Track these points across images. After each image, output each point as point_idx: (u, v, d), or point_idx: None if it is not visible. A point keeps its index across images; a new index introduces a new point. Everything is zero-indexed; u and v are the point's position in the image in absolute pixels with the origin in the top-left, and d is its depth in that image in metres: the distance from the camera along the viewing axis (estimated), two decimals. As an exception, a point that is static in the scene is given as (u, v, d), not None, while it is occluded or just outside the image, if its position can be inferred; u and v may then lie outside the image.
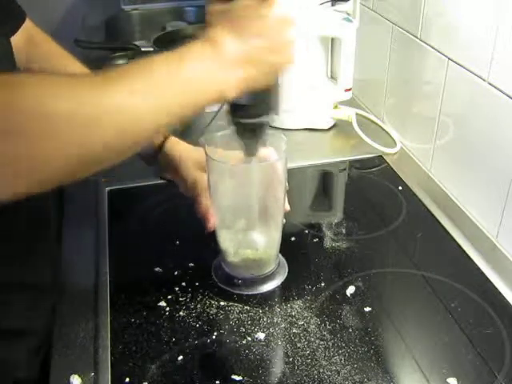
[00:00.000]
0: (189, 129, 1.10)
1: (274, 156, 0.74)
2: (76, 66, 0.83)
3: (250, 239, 0.76)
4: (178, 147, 0.81)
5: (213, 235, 0.77)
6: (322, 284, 0.78)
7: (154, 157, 0.82)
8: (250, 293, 0.77)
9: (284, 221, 0.78)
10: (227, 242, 0.77)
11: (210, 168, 0.72)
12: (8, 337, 0.66)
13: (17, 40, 0.74)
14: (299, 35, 1.12)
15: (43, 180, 0.47)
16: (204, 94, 0.55)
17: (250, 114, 0.65)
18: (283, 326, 0.72)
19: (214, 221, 0.75)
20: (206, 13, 0.59)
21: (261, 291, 0.77)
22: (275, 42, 0.58)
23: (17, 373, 0.68)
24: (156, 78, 0.52)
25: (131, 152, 0.52)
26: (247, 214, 0.74)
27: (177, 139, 0.82)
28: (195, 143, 0.83)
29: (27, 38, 0.78)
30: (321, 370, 0.66)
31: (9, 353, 0.67)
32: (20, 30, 0.76)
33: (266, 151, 0.73)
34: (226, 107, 0.65)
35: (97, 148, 0.48)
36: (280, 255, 0.81)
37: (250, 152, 0.70)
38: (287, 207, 0.79)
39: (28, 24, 0.79)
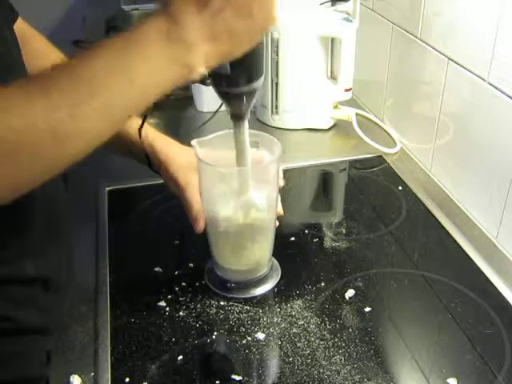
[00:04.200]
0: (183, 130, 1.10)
1: (267, 158, 0.73)
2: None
3: (244, 243, 0.75)
4: (170, 148, 0.79)
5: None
6: (322, 284, 0.78)
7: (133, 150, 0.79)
8: (242, 296, 0.76)
9: (277, 223, 0.78)
10: (219, 245, 0.77)
11: (202, 171, 0.71)
12: (29, 334, 0.65)
13: None
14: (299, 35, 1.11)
15: None
16: (163, 80, 0.50)
17: (234, 83, 0.60)
18: (283, 326, 0.72)
19: (203, 223, 0.74)
20: None
21: (253, 294, 0.77)
22: (247, 7, 0.50)
23: (33, 371, 0.67)
24: (97, 78, 0.47)
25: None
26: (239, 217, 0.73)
27: (168, 139, 0.80)
28: (188, 144, 0.83)
29: (18, 34, 0.77)
30: (321, 370, 0.66)
31: (29, 350, 0.66)
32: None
33: (259, 154, 0.73)
34: (209, 79, 0.59)
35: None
36: (273, 258, 0.80)
37: (238, 115, 0.65)
38: (280, 211, 0.78)
39: (19, 21, 0.78)
